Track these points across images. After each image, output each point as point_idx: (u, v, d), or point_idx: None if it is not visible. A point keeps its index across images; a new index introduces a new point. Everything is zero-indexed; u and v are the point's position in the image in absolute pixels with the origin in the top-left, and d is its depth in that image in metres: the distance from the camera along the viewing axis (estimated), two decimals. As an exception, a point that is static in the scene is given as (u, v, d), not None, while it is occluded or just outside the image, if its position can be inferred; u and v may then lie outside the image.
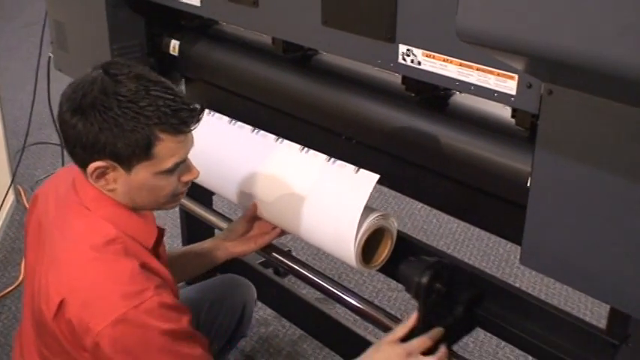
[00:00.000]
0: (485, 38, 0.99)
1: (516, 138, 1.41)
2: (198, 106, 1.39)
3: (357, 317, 1.76)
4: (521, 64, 1.06)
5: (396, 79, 1.61)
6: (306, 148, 1.66)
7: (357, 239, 1.50)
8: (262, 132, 1.76)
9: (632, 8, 0.83)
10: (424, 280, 1.47)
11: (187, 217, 2.58)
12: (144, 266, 1.34)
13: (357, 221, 1.49)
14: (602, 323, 1.49)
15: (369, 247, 1.54)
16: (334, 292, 1.73)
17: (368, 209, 1.51)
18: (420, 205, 3.15)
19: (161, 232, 1.50)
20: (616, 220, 1.08)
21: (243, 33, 2.06)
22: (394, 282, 1.63)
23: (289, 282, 2.57)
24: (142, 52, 2.16)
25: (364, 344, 1.59)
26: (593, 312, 2.71)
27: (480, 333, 2.55)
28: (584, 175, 1.09)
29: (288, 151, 1.69)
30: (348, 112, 1.70)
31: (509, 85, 1.26)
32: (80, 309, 1.29)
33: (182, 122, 1.34)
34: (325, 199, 1.58)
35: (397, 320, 1.61)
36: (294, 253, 1.98)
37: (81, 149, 1.33)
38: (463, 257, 3.01)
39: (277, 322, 2.69)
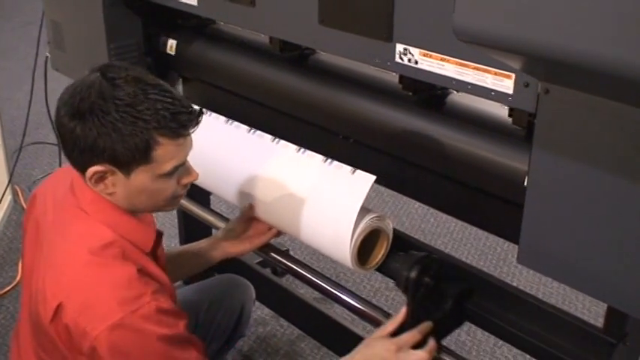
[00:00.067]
0: (483, 37, 0.99)
1: (513, 137, 1.41)
2: (197, 108, 1.38)
3: (355, 317, 1.76)
4: (518, 63, 1.06)
5: (393, 78, 1.61)
6: (302, 149, 1.66)
7: (353, 240, 1.50)
8: (259, 132, 1.76)
9: (629, 7, 0.83)
10: (413, 274, 1.48)
11: (185, 217, 2.58)
12: (141, 271, 1.33)
13: (353, 223, 1.49)
14: (600, 322, 1.50)
15: (364, 248, 1.54)
16: (332, 292, 1.73)
17: (364, 210, 1.51)
18: (418, 204, 3.15)
19: (159, 235, 1.49)
20: (613, 219, 1.08)
21: (240, 32, 2.06)
22: (392, 281, 1.63)
23: (287, 281, 2.57)
24: (139, 51, 2.16)
25: (362, 344, 1.59)
26: (591, 311, 2.71)
27: (477, 332, 2.57)
28: (581, 174, 1.09)
29: (285, 151, 1.68)
30: (346, 111, 1.70)
31: (506, 84, 1.26)
32: (77, 313, 1.28)
33: (181, 125, 1.33)
34: (321, 200, 1.58)
35: (394, 319, 1.61)
36: (292, 253, 1.98)
37: (79, 153, 1.33)
38: (461, 256, 3.01)
39: (275, 322, 2.69)
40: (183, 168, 1.40)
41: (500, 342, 2.42)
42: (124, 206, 1.40)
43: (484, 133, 1.46)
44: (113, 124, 1.28)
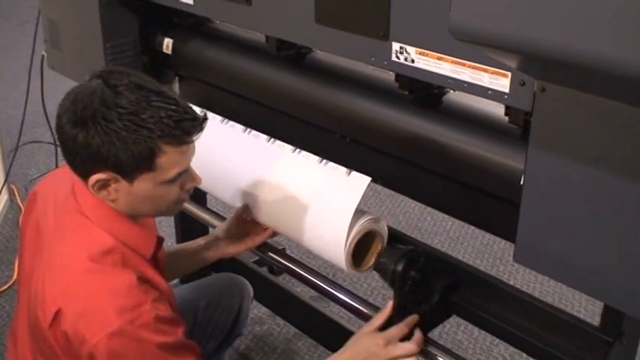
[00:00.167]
0: (479, 36, 0.99)
1: (510, 136, 1.41)
2: (201, 115, 1.37)
3: (352, 315, 1.76)
4: (514, 62, 1.06)
5: (389, 77, 1.61)
6: (297, 149, 1.66)
7: (348, 243, 1.50)
8: (254, 132, 1.76)
9: (625, 5, 0.83)
10: (399, 267, 1.49)
11: (181, 216, 2.57)
12: (141, 278, 1.33)
13: (348, 225, 1.49)
14: (596, 320, 1.50)
15: (359, 250, 1.55)
16: (329, 291, 1.73)
17: (359, 212, 1.51)
18: (415, 203, 3.15)
19: (160, 240, 1.49)
20: (609, 218, 1.08)
21: (236, 31, 2.06)
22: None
23: (284, 280, 2.57)
24: (136, 50, 2.16)
25: (358, 342, 1.59)
26: (587, 309, 2.71)
27: (474, 330, 2.57)
28: (577, 173, 1.09)
29: (280, 151, 1.68)
30: (342, 110, 1.70)
31: (502, 82, 1.26)
32: (76, 320, 1.28)
33: (185, 133, 1.32)
34: (316, 202, 1.58)
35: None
36: (288, 252, 1.97)
37: (82, 161, 1.32)
38: (457, 255, 3.01)
39: (272, 321, 2.69)
40: (186, 173, 1.39)
41: (497, 340, 2.42)
42: (126, 212, 1.39)
43: (480, 132, 1.46)
44: (116, 133, 1.27)
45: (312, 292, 2.15)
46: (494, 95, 1.28)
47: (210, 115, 1.83)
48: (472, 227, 1.94)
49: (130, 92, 1.29)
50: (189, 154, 1.37)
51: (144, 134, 1.28)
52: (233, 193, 1.74)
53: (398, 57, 1.40)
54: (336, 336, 1.99)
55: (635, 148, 1.01)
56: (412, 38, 1.37)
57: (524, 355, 1.62)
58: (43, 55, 2.40)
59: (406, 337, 1.49)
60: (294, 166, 1.65)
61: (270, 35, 1.82)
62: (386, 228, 1.58)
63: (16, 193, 3.49)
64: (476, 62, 1.28)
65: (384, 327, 1.50)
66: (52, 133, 3.02)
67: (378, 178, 1.64)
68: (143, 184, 1.34)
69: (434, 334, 1.58)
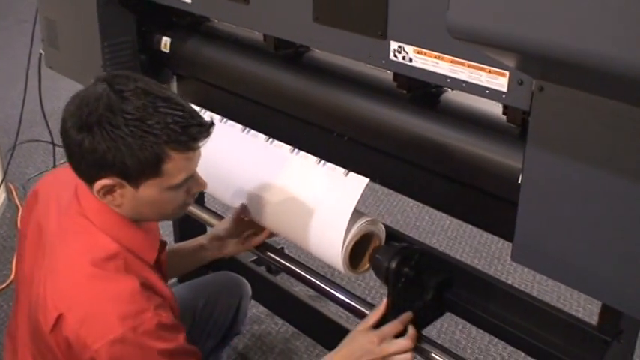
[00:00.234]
0: (477, 35, 0.98)
1: (508, 135, 1.41)
2: (208, 120, 1.36)
3: (350, 314, 1.76)
4: (512, 61, 1.06)
5: (387, 76, 1.61)
6: (296, 150, 1.66)
7: (345, 245, 1.50)
8: (253, 132, 1.75)
9: (624, 5, 0.83)
10: (393, 264, 1.49)
11: (180, 215, 2.57)
12: (144, 284, 1.32)
13: (345, 227, 1.49)
14: (594, 320, 1.50)
15: (356, 251, 1.55)
16: (327, 290, 1.73)
17: (357, 214, 1.51)
18: (413, 202, 3.14)
19: (163, 244, 1.49)
20: (608, 217, 1.08)
21: (234, 30, 2.05)
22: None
23: (282, 279, 2.57)
24: (133, 49, 2.16)
25: (356, 341, 1.59)
26: (585, 308, 2.71)
27: (472, 329, 2.57)
28: (575, 172, 1.09)
29: (278, 152, 1.68)
30: (340, 109, 1.69)
31: (500, 81, 1.26)
32: (78, 325, 1.28)
33: (192, 139, 1.32)
34: (314, 203, 1.58)
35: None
36: (286, 251, 1.97)
37: (87, 167, 1.31)
38: (455, 254, 3.01)
39: (270, 320, 2.69)
40: (192, 179, 1.39)
41: (495, 340, 2.42)
42: (130, 216, 1.39)
43: (478, 131, 1.46)
44: (123, 139, 1.26)
45: (311, 292, 2.15)
46: (492, 94, 1.28)
47: (208, 113, 1.84)
48: (470, 226, 1.94)
49: (136, 98, 1.28)
50: (196, 160, 1.37)
51: (150, 140, 1.27)
52: (231, 193, 1.74)
53: (396, 56, 1.40)
54: (334, 335, 1.98)
55: (634, 147, 1.01)
56: (410, 37, 1.37)
57: (522, 354, 1.62)
58: (40, 54, 2.39)
59: (400, 335, 1.50)
60: (293, 166, 1.65)
61: (268, 34, 1.82)
62: (383, 230, 1.58)
63: (14, 192, 3.49)
64: (474, 61, 1.28)
65: (378, 324, 1.51)
66: (50, 132, 3.06)
67: (376, 177, 1.64)
68: (149, 190, 1.33)
69: (432, 333, 1.58)
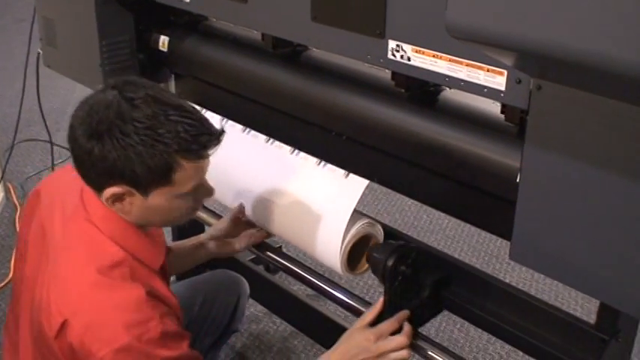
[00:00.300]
0: (475, 33, 0.98)
1: (506, 134, 1.41)
2: (218, 128, 1.36)
3: (348, 314, 1.76)
4: (510, 60, 1.06)
5: (385, 75, 1.61)
6: (296, 151, 1.66)
7: (343, 246, 1.50)
8: (253, 132, 1.75)
9: (622, 4, 0.83)
10: (389, 262, 1.49)
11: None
12: (150, 293, 1.32)
13: (345, 227, 1.49)
14: (592, 318, 1.50)
15: (354, 253, 1.55)
16: (325, 289, 1.73)
17: (356, 215, 1.52)
18: (411, 201, 3.15)
19: (168, 250, 1.49)
20: (605, 216, 1.08)
21: (232, 29, 2.05)
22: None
23: (280, 278, 2.57)
24: (132, 48, 2.15)
25: (355, 340, 1.59)
26: (583, 307, 2.72)
27: (470, 328, 2.57)
28: (573, 171, 1.09)
29: (278, 152, 1.68)
30: (338, 108, 1.69)
31: (498, 80, 1.26)
32: (83, 333, 1.27)
33: (202, 147, 1.32)
34: (313, 204, 1.58)
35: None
36: (285, 250, 1.97)
37: (96, 174, 1.31)
38: (453, 253, 3.02)
39: (268, 319, 2.69)
40: (200, 185, 1.39)
41: (493, 339, 2.43)
42: (137, 223, 1.38)
43: (477, 130, 1.46)
44: (133, 147, 1.26)
45: (309, 291, 2.16)
46: (490, 93, 1.28)
47: (208, 113, 1.84)
48: (468, 225, 1.94)
49: (146, 105, 1.28)
50: (205, 168, 1.37)
51: (161, 149, 1.27)
52: (230, 193, 1.74)
53: (394, 55, 1.40)
54: (332, 334, 1.99)
55: (632, 146, 1.01)
56: (408, 36, 1.36)
57: (520, 353, 1.63)
58: (38, 53, 2.39)
59: (397, 333, 1.50)
60: (292, 167, 1.65)
61: (266, 33, 1.82)
62: (382, 232, 1.59)
63: (12, 192, 3.48)
64: (472, 60, 1.28)
65: (375, 322, 1.51)
66: (48, 131, 3.05)
67: (375, 176, 1.64)
68: (158, 198, 1.33)
69: (430, 332, 1.59)
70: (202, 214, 2.00)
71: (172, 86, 2.26)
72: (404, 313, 1.52)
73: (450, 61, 1.31)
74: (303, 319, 2.36)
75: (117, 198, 1.33)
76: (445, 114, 1.53)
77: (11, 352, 1.55)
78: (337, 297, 1.71)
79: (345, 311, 1.77)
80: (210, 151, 1.34)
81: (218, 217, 1.95)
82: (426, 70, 1.36)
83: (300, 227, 1.59)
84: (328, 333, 2.21)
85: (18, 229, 3.06)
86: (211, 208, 2.11)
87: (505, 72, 1.24)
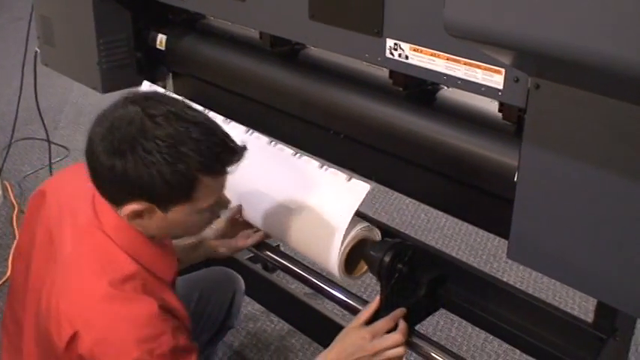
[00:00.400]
0: (473, 32, 0.98)
1: (503, 132, 1.41)
2: (240, 145, 1.35)
3: (346, 312, 1.76)
4: (508, 58, 1.06)
5: (383, 73, 1.61)
6: (299, 153, 1.66)
7: (341, 251, 1.50)
8: (256, 133, 1.75)
9: (621, 3, 0.83)
10: (386, 260, 1.49)
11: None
12: (162, 307, 1.31)
13: (343, 234, 1.49)
14: (590, 317, 1.50)
15: (351, 257, 1.55)
16: (323, 288, 1.73)
17: (355, 219, 1.51)
18: (409, 200, 3.16)
19: (179, 261, 1.49)
20: (603, 214, 1.08)
21: (230, 27, 2.05)
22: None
23: (278, 277, 2.56)
24: (129, 46, 2.16)
25: (352, 339, 1.59)
26: (581, 306, 2.72)
27: (467, 327, 2.57)
28: (571, 169, 1.09)
29: (281, 154, 1.68)
30: (336, 106, 1.69)
31: (496, 79, 1.26)
32: (93, 345, 1.27)
33: (223, 165, 1.32)
34: (313, 207, 1.57)
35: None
36: (282, 249, 1.97)
37: (116, 190, 1.30)
38: (451, 252, 3.01)
39: (266, 317, 2.69)
40: (219, 198, 1.39)
41: (491, 337, 2.43)
42: (152, 235, 1.38)
43: (474, 129, 1.47)
44: (155, 165, 1.25)
45: (306, 289, 2.15)
46: (488, 92, 1.28)
47: (211, 114, 1.83)
48: (466, 224, 1.94)
49: (167, 123, 1.27)
50: (225, 183, 1.37)
51: (182, 167, 1.26)
52: (229, 194, 1.74)
53: (392, 53, 1.40)
54: (329, 333, 1.99)
55: (630, 145, 1.01)
56: (406, 35, 1.36)
57: (518, 352, 1.63)
58: (36, 52, 2.39)
59: (392, 331, 1.50)
60: (294, 169, 1.64)
61: (264, 31, 1.82)
62: (379, 236, 1.58)
63: (10, 190, 3.48)
64: (470, 59, 1.28)
65: (371, 321, 1.51)
66: (46, 130, 3.05)
67: (372, 174, 1.65)
68: (177, 214, 1.33)
69: (428, 330, 1.58)
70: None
71: (170, 85, 2.26)
72: (400, 311, 1.52)
73: (447, 59, 1.31)
74: (301, 318, 2.36)
75: (137, 215, 1.32)
76: (443, 112, 1.53)
77: (11, 353, 1.54)
78: (335, 296, 1.71)
79: (342, 310, 1.76)
80: (232, 168, 1.34)
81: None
82: (423, 69, 1.36)
83: (298, 229, 1.58)
84: (326, 331, 2.20)
85: (17, 227, 3.07)
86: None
87: (503, 70, 1.24)
